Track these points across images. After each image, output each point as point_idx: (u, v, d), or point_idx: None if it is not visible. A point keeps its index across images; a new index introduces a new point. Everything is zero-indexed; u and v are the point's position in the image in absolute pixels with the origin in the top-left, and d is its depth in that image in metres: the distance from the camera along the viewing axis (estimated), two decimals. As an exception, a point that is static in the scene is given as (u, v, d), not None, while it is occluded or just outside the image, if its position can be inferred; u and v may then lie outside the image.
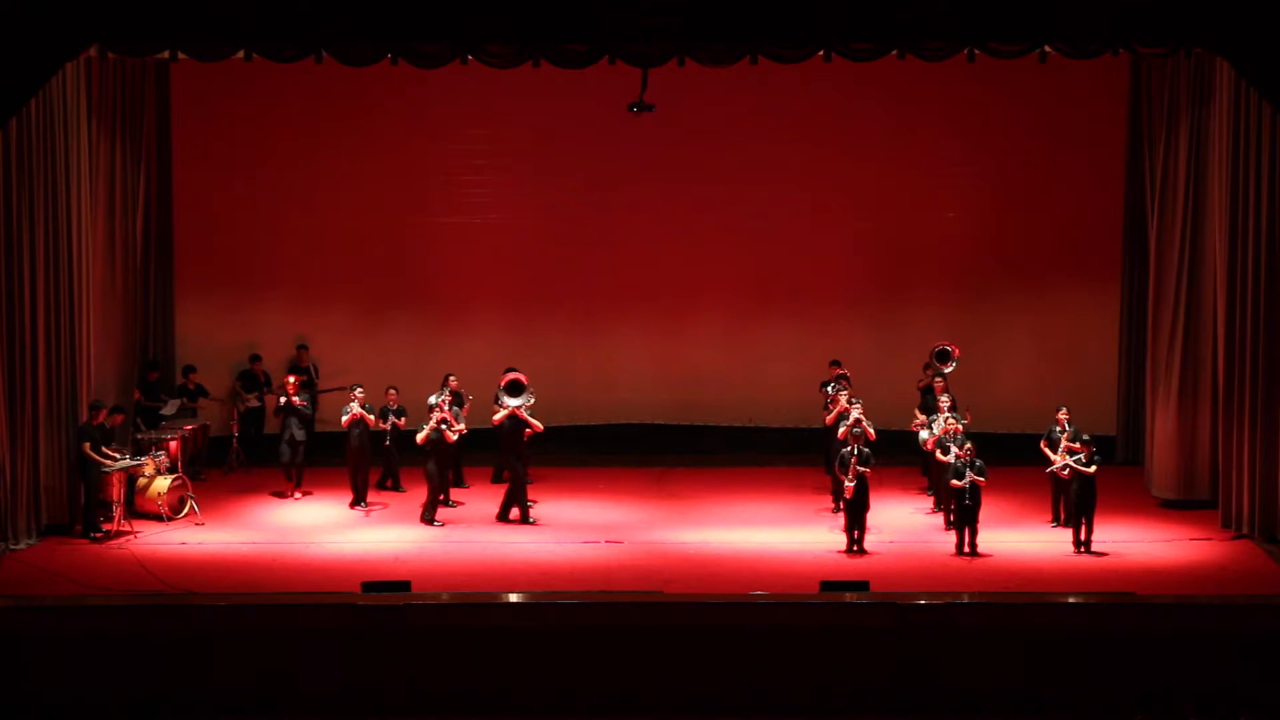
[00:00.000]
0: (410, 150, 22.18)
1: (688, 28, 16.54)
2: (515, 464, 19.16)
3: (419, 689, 15.36)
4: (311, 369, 22.27)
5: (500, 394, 19.26)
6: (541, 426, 19.38)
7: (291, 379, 20.42)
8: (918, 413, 19.72)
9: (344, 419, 19.71)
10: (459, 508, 19.56)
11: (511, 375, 19.29)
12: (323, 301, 22.40)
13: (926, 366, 20.64)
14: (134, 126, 20.73)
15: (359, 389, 19.86)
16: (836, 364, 20.57)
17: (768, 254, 22.45)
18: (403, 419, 19.80)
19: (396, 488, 20.37)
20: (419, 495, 19.19)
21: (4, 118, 16.74)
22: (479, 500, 19.81)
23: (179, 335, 21.99)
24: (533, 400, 19.28)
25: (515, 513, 19.04)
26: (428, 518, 18.87)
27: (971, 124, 22.02)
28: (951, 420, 18.64)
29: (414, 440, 19.13)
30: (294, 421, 19.99)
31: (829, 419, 19.56)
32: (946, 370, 20.10)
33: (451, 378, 19.97)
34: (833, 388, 19.96)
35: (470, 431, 19.62)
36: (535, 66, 17.29)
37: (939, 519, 18.88)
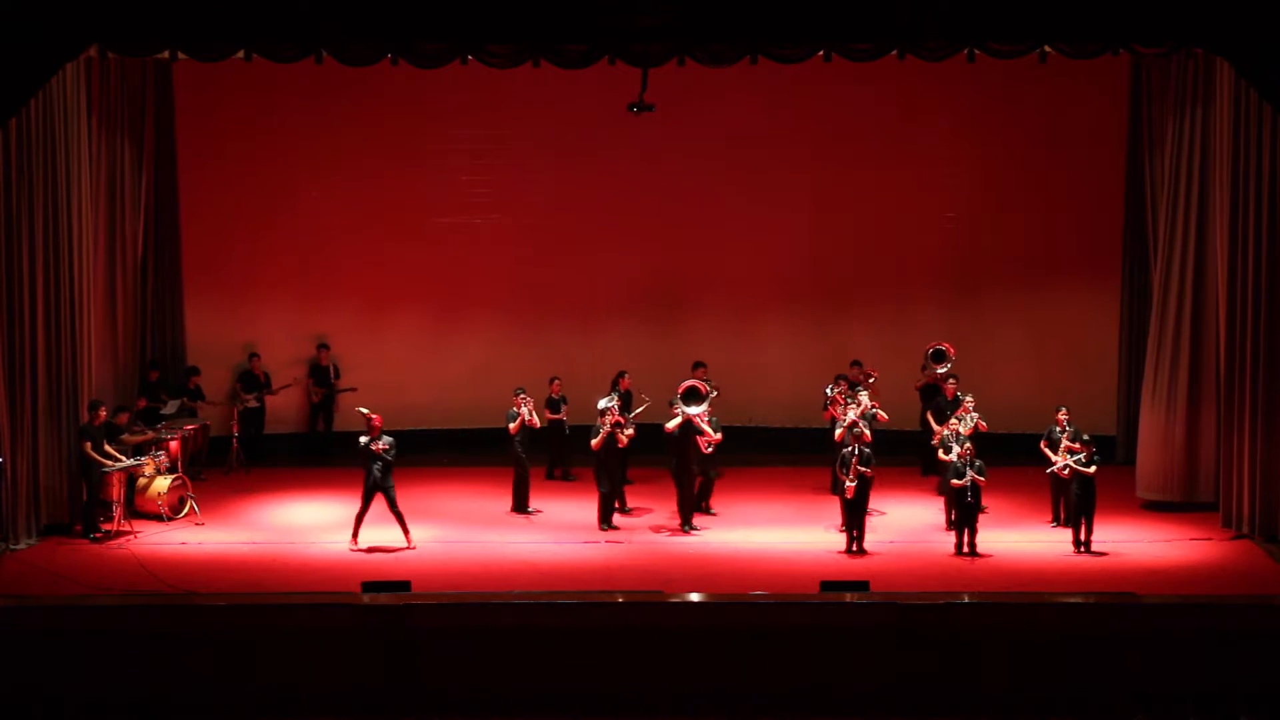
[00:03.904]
0: (412, 150, 22.20)
1: (688, 28, 16.56)
2: (682, 471, 18.74)
3: (419, 689, 15.35)
4: (331, 369, 22.26)
5: (676, 399, 18.84)
6: (717, 436, 18.82)
7: (376, 416, 18.04)
8: (930, 417, 19.64)
9: (512, 425, 19.10)
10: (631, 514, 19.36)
11: (690, 382, 18.89)
12: (325, 301, 22.40)
13: (924, 367, 20.63)
14: (134, 126, 20.74)
15: (523, 393, 19.33)
16: (858, 364, 20.53)
17: (768, 253, 22.46)
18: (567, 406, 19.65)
19: (566, 477, 20.40)
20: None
21: (4, 118, 16.75)
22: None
23: (187, 335, 22.01)
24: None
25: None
26: (604, 525, 18.68)
27: (971, 124, 22.03)
28: (979, 418, 18.55)
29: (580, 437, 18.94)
30: (378, 465, 17.89)
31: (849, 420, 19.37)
32: (941, 370, 20.09)
33: (625, 376, 19.82)
34: (831, 389, 19.79)
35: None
36: (535, 66, 17.31)
37: (939, 519, 18.85)
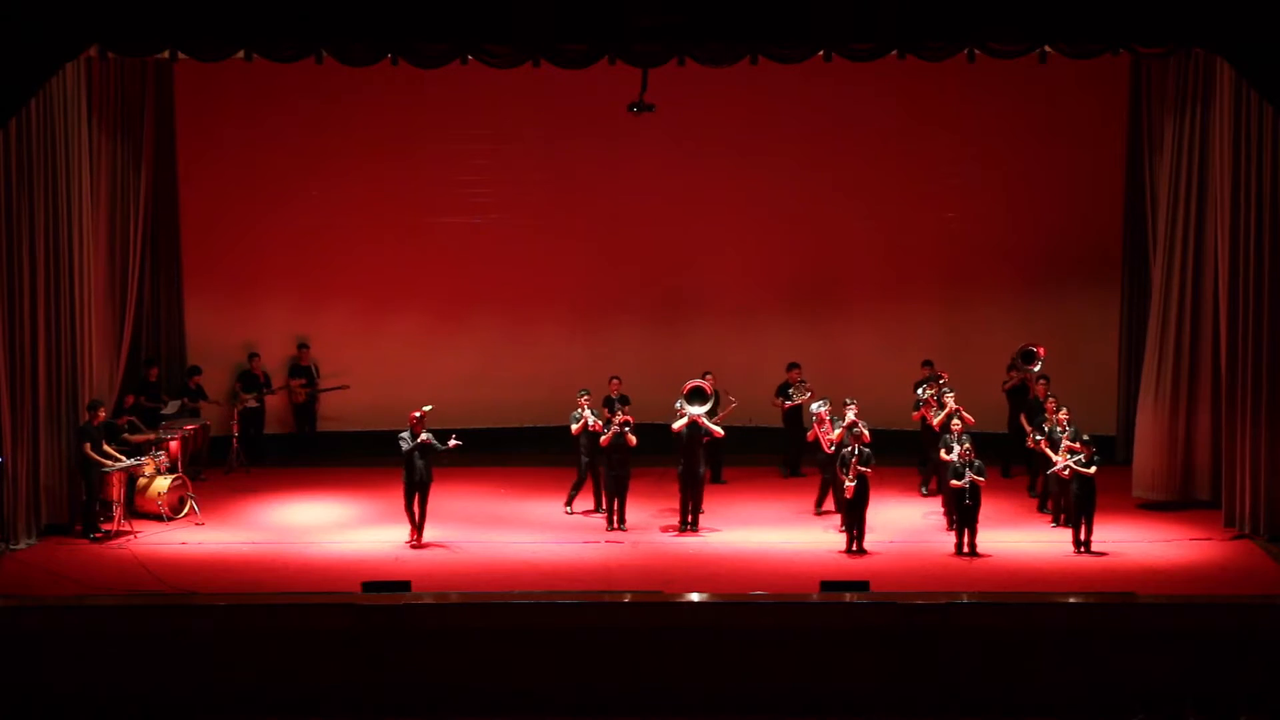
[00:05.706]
0: (411, 150, 22.19)
1: (688, 28, 16.57)
2: (688, 472, 18.66)
3: (419, 689, 15.37)
4: (313, 369, 22.26)
5: (681, 401, 18.84)
6: (721, 432, 19.01)
7: (420, 411, 18.21)
8: (1023, 419, 19.49)
9: (574, 427, 19.03)
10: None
11: (694, 382, 18.85)
12: (325, 301, 22.40)
13: (1011, 368, 20.56)
14: (134, 126, 20.74)
15: (586, 394, 19.18)
16: (929, 364, 20.46)
17: (768, 253, 22.46)
18: (628, 407, 19.51)
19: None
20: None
21: (4, 118, 16.75)
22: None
23: (187, 335, 22.01)
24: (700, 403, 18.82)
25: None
26: (612, 524, 18.77)
27: (971, 123, 22.01)
28: (1066, 432, 18.29)
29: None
30: (424, 461, 18.11)
31: (937, 422, 19.19)
32: (1035, 369, 20.01)
33: (708, 376, 19.75)
34: (923, 390, 19.67)
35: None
36: (535, 66, 17.31)
37: (939, 519, 18.83)
